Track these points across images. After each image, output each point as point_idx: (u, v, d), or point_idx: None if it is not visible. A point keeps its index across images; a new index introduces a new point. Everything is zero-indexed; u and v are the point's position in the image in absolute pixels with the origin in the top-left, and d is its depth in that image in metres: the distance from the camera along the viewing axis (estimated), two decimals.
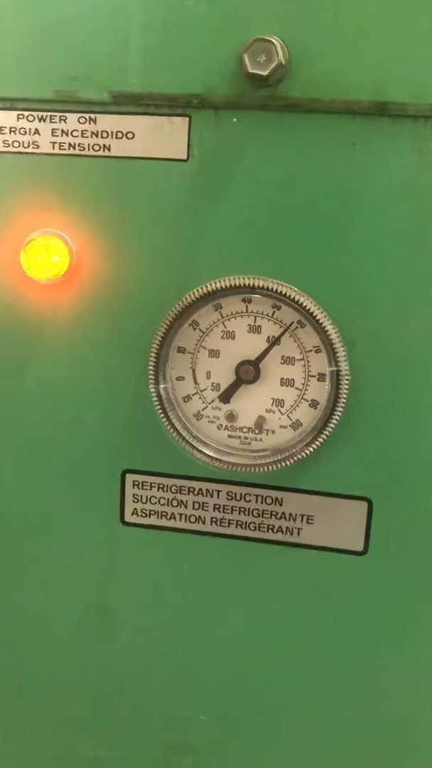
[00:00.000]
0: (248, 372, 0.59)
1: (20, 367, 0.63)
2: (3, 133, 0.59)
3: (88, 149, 0.58)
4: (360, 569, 0.62)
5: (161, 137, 0.56)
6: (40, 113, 0.58)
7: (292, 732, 0.67)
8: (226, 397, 0.60)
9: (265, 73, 0.52)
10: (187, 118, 0.56)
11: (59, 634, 0.69)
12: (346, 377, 0.57)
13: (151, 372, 0.59)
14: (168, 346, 0.60)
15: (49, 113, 0.58)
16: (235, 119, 0.55)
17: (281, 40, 0.52)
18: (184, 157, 0.57)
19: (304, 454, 0.59)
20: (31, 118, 0.58)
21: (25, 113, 0.58)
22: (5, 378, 0.63)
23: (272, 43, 0.52)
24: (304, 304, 0.56)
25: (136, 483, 0.64)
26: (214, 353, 0.60)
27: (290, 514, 0.62)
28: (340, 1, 0.52)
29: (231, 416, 0.61)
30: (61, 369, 0.62)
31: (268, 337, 0.58)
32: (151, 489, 0.64)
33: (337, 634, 0.64)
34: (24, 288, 0.60)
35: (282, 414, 0.60)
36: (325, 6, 0.53)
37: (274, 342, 0.58)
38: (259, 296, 0.58)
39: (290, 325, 0.58)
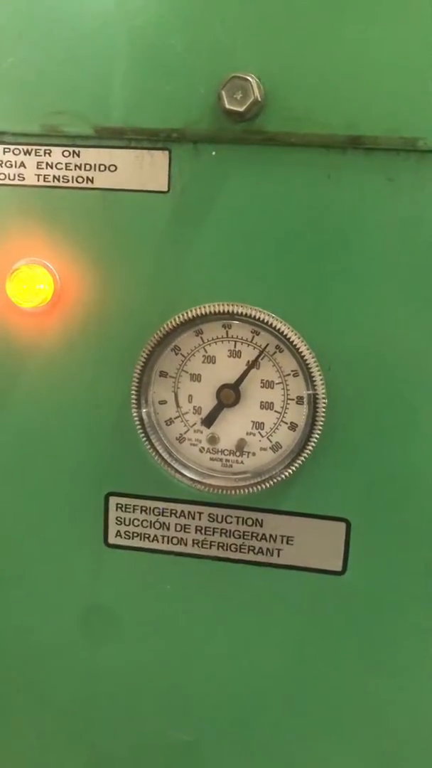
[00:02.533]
0: (228, 396, 0.61)
1: (5, 392, 0.64)
2: None
3: (72, 181, 0.60)
4: (339, 589, 0.63)
5: (143, 170, 0.58)
6: (25, 146, 0.60)
7: (274, 750, 0.67)
8: (208, 421, 0.61)
9: (241, 109, 0.54)
10: (167, 152, 0.58)
11: (44, 656, 0.69)
12: (323, 400, 0.58)
13: (134, 396, 0.61)
14: (150, 371, 0.61)
15: (35, 147, 0.60)
16: (213, 152, 0.57)
17: (257, 77, 0.54)
18: (165, 188, 0.58)
19: (283, 476, 0.60)
20: (17, 152, 0.60)
21: (11, 146, 0.60)
22: None
23: (248, 80, 0.54)
24: (281, 330, 0.58)
25: (119, 505, 0.65)
26: (196, 377, 0.61)
27: (270, 536, 0.63)
28: (313, 40, 0.54)
29: (213, 439, 0.62)
30: (46, 394, 0.63)
31: (248, 362, 0.60)
32: (134, 511, 0.65)
33: (318, 652, 0.64)
34: (9, 315, 0.62)
35: (262, 436, 0.61)
36: (299, 44, 0.55)
37: (251, 365, 0.60)
38: (238, 322, 0.59)
39: (266, 347, 0.59)
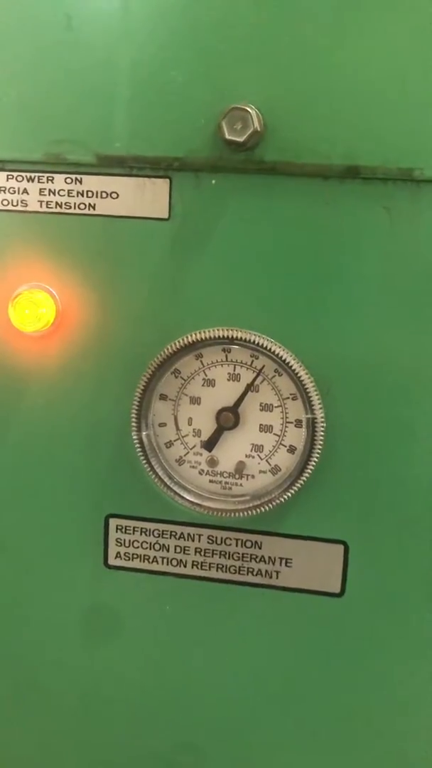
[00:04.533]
0: (228, 419, 0.61)
1: (6, 415, 0.64)
2: None
3: (74, 208, 0.60)
4: (337, 611, 0.63)
5: (144, 197, 0.59)
6: (28, 173, 0.61)
7: None
8: (209, 445, 0.62)
9: (241, 139, 0.55)
10: (168, 180, 0.59)
11: (44, 676, 0.69)
12: (322, 424, 0.59)
13: (134, 419, 0.61)
14: (151, 394, 0.62)
15: (38, 174, 0.61)
16: (213, 181, 0.58)
17: (257, 108, 0.56)
18: (166, 216, 0.59)
19: (282, 499, 0.60)
20: (20, 179, 0.61)
21: (15, 173, 0.61)
22: None
23: (248, 111, 0.55)
24: (280, 354, 0.59)
25: (119, 527, 0.65)
26: (196, 400, 0.62)
27: (269, 558, 0.63)
28: (312, 72, 0.56)
29: (212, 461, 0.63)
30: (47, 417, 0.64)
31: (247, 385, 0.61)
32: (134, 533, 0.65)
33: (316, 674, 0.65)
34: (11, 339, 0.63)
35: (261, 459, 0.62)
36: (298, 76, 0.56)
37: (248, 387, 0.60)
38: (238, 347, 0.60)
39: (261, 368, 0.60)
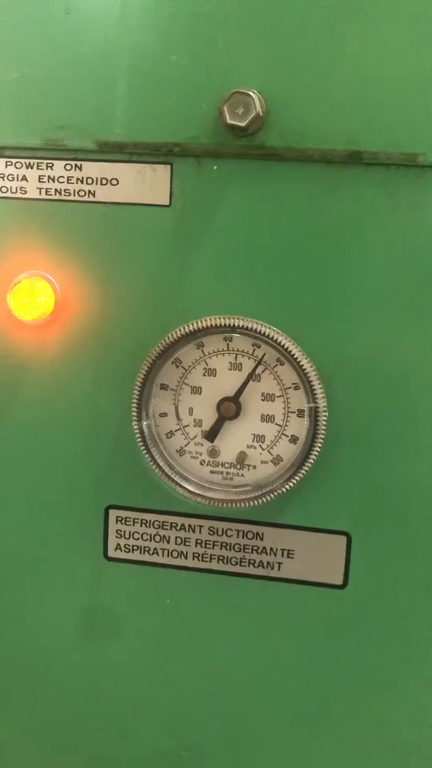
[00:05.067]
0: (229, 409, 0.61)
1: (5, 404, 0.64)
2: None
3: (74, 195, 0.60)
4: (340, 603, 0.62)
5: (145, 184, 0.59)
6: (27, 160, 0.60)
7: (274, 762, 0.67)
8: (211, 435, 0.61)
9: (243, 124, 0.55)
10: (169, 166, 0.58)
11: (43, 667, 0.69)
12: (324, 413, 0.58)
13: (135, 409, 0.61)
14: (151, 384, 0.61)
15: (37, 160, 0.60)
16: (215, 167, 0.58)
17: (259, 92, 0.55)
18: (167, 202, 0.59)
19: (284, 489, 0.60)
20: (18, 165, 0.60)
21: (13, 160, 0.60)
22: None
23: (250, 95, 0.54)
24: (282, 343, 0.58)
25: (119, 518, 0.65)
26: (197, 390, 0.61)
27: (271, 549, 0.63)
28: (314, 56, 0.55)
29: (213, 452, 0.62)
30: (46, 406, 0.63)
31: (248, 374, 0.60)
32: (134, 524, 0.64)
33: (318, 667, 0.64)
34: (10, 328, 0.62)
35: (263, 449, 0.61)
36: (300, 60, 0.55)
37: (250, 376, 0.60)
38: (239, 335, 0.59)
39: (262, 357, 0.59)
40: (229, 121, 0.55)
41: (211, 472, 0.62)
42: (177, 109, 0.57)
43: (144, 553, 0.65)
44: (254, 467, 0.62)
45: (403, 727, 0.64)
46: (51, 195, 0.60)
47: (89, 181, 0.59)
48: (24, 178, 0.60)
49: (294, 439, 0.60)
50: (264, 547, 0.63)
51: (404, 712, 0.64)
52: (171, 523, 0.64)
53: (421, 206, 0.56)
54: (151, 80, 0.57)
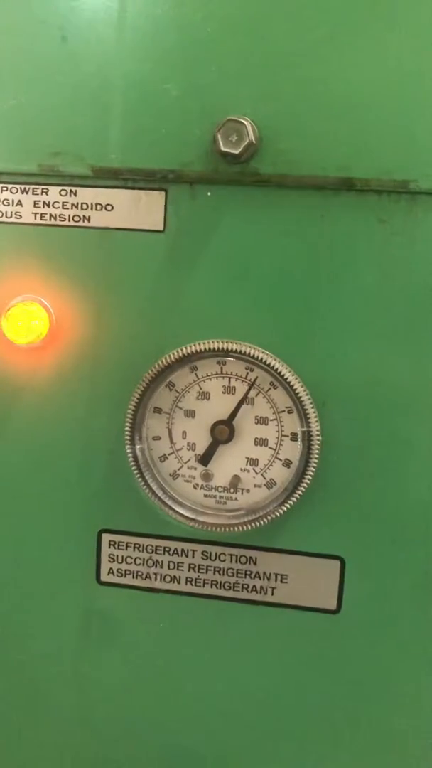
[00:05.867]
0: (223, 432, 0.61)
1: None
2: None
3: (69, 220, 0.60)
4: (334, 628, 0.62)
5: (139, 209, 0.59)
6: (23, 185, 0.61)
7: None
8: (205, 459, 0.61)
9: (236, 151, 0.55)
10: (163, 192, 0.59)
11: (34, 693, 0.68)
12: (318, 437, 0.59)
13: (128, 432, 0.61)
14: (144, 407, 0.61)
15: (32, 185, 0.61)
16: (209, 193, 0.58)
17: (252, 120, 0.56)
18: (161, 228, 0.59)
19: (277, 514, 0.60)
20: (14, 190, 0.61)
21: (9, 185, 0.61)
22: None
23: (243, 123, 0.55)
24: (275, 367, 0.58)
25: (112, 543, 0.64)
26: (190, 413, 0.61)
27: (264, 574, 0.63)
28: (307, 85, 0.56)
29: (207, 476, 0.62)
30: (40, 430, 0.63)
31: (242, 398, 0.60)
32: (127, 549, 0.64)
33: (312, 691, 0.64)
34: (4, 351, 0.62)
35: (256, 473, 0.61)
36: (293, 88, 0.56)
37: (243, 399, 0.60)
38: (233, 359, 0.60)
39: (254, 380, 0.60)
40: (222, 148, 0.55)
41: (205, 495, 0.62)
42: (171, 136, 0.58)
43: (137, 577, 0.64)
44: (248, 491, 0.62)
45: (398, 751, 0.64)
46: (46, 220, 0.61)
47: (84, 206, 0.60)
48: (19, 202, 0.61)
49: (287, 463, 0.60)
50: (257, 572, 0.63)
51: (399, 737, 0.64)
52: (164, 547, 0.64)
53: (413, 232, 0.57)
54: (146, 107, 0.58)
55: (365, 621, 0.62)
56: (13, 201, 0.61)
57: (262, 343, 0.59)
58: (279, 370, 0.58)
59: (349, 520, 0.61)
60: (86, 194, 0.60)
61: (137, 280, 0.60)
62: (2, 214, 0.61)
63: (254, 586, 0.63)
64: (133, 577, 0.64)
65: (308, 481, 0.59)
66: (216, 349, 0.59)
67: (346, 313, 0.58)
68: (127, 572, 0.64)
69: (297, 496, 0.59)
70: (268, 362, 0.58)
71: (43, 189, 0.60)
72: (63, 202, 0.60)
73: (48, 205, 0.60)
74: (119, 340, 0.61)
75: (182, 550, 0.64)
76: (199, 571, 0.63)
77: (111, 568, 0.65)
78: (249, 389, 0.60)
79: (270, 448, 0.61)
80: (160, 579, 0.64)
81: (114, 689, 0.67)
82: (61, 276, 0.61)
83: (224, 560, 0.63)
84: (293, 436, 0.60)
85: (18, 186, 0.61)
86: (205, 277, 0.59)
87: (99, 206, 0.60)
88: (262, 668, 0.64)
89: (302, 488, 0.59)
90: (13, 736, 0.69)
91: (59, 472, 0.64)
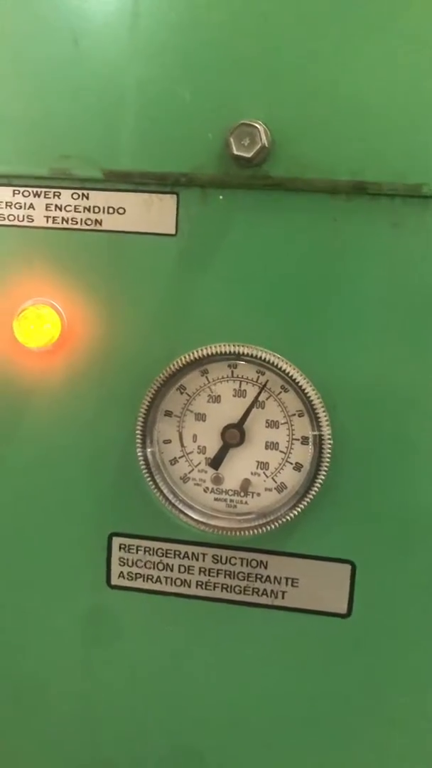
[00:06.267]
0: (233, 436, 0.61)
1: (11, 431, 0.64)
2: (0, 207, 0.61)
3: (81, 224, 0.60)
4: (344, 632, 0.62)
5: (151, 213, 0.59)
6: (35, 189, 0.61)
7: None
8: (216, 463, 0.61)
9: (249, 155, 0.55)
10: (175, 196, 0.59)
11: (42, 697, 0.68)
12: (329, 441, 0.59)
13: (139, 435, 0.61)
14: (156, 410, 0.61)
15: (44, 189, 0.61)
16: (221, 197, 0.58)
17: (265, 123, 0.56)
18: (173, 231, 0.59)
19: (288, 517, 0.60)
20: (26, 194, 0.61)
21: (21, 189, 0.61)
22: None
23: (256, 127, 0.55)
24: (287, 370, 0.58)
25: (122, 546, 0.64)
26: (201, 417, 0.61)
27: (275, 577, 0.63)
28: (319, 89, 0.56)
29: (217, 479, 0.62)
30: (51, 433, 0.63)
31: (253, 401, 0.60)
32: (137, 552, 0.64)
33: (322, 695, 0.64)
34: (16, 355, 0.62)
35: (267, 477, 0.61)
36: (305, 92, 0.56)
37: (253, 403, 0.60)
38: (244, 362, 0.60)
39: (265, 383, 0.60)
40: (235, 152, 0.55)
41: (215, 499, 0.62)
42: (183, 139, 0.58)
43: (147, 580, 0.64)
44: (258, 494, 0.62)
45: (407, 757, 0.64)
46: (58, 223, 0.61)
47: (96, 210, 0.60)
48: (31, 206, 0.61)
49: (298, 467, 0.60)
50: (268, 576, 0.63)
51: (409, 742, 0.63)
52: (174, 550, 0.64)
53: (425, 236, 0.56)
54: (158, 111, 0.58)
55: (376, 625, 0.62)
56: (25, 204, 0.61)
57: (273, 346, 0.59)
58: (290, 374, 0.58)
59: (360, 524, 0.60)
60: (98, 198, 0.60)
61: (149, 284, 0.60)
62: (14, 218, 0.61)
63: (264, 589, 0.63)
64: (143, 580, 0.64)
65: (319, 485, 0.59)
66: (227, 352, 0.59)
67: (357, 317, 0.58)
68: (138, 576, 0.64)
69: (308, 500, 0.59)
70: (279, 365, 0.58)
71: (55, 192, 0.60)
72: (75, 206, 0.60)
73: (60, 209, 0.60)
74: (130, 344, 0.61)
75: (192, 553, 0.64)
76: (209, 575, 0.63)
77: (121, 572, 0.65)
78: (260, 392, 0.60)
79: (281, 451, 0.61)
80: (171, 582, 0.64)
81: (123, 693, 0.67)
82: (73, 279, 0.61)
83: (235, 564, 0.63)
84: (304, 440, 0.60)
85: (30, 189, 0.61)
86: (216, 281, 0.59)
87: (111, 210, 0.60)
88: (272, 672, 0.64)
89: (313, 492, 0.59)
90: (20, 738, 0.69)
91: (70, 475, 0.64)
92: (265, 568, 0.63)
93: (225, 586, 0.63)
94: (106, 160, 0.59)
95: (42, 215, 0.61)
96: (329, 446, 0.59)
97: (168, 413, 0.62)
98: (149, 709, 0.67)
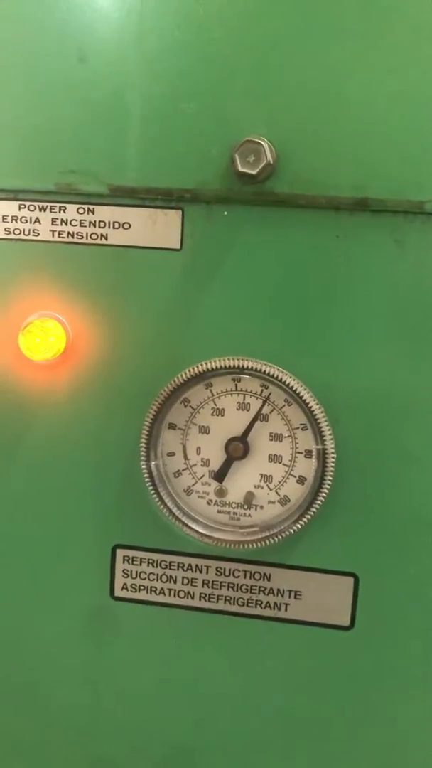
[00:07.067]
0: (237, 449, 0.61)
1: (15, 443, 0.64)
2: (5, 222, 0.61)
3: (86, 238, 0.61)
4: (347, 644, 0.62)
5: (156, 228, 0.60)
6: (41, 203, 0.61)
7: None
8: (220, 476, 0.62)
9: (254, 172, 0.56)
10: (180, 211, 0.59)
11: (47, 708, 0.68)
12: (332, 454, 0.59)
13: (143, 448, 0.61)
14: (160, 423, 0.61)
15: (50, 204, 0.61)
16: (225, 212, 0.59)
17: (269, 140, 0.56)
18: (178, 246, 0.60)
19: (291, 531, 0.60)
20: (32, 208, 0.61)
21: (27, 203, 0.61)
22: (0, 454, 0.65)
23: (261, 144, 0.56)
24: (290, 384, 0.59)
25: (126, 558, 0.65)
26: (205, 429, 0.62)
27: (278, 590, 0.63)
28: (323, 105, 0.56)
29: (221, 492, 0.62)
30: (55, 445, 0.64)
31: (256, 414, 0.61)
32: (141, 564, 0.64)
33: (324, 707, 0.64)
34: (22, 368, 0.62)
35: (270, 490, 0.62)
36: (310, 109, 0.57)
37: (257, 416, 0.60)
38: (248, 376, 0.60)
39: (269, 397, 0.60)
40: (240, 169, 0.56)
41: (219, 512, 0.63)
42: (188, 155, 0.58)
43: (150, 592, 0.65)
44: (261, 507, 0.62)
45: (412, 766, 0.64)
46: (63, 238, 0.61)
47: (101, 224, 0.61)
48: (37, 220, 0.61)
49: (302, 480, 0.61)
50: (271, 588, 0.63)
51: (411, 754, 0.64)
52: (178, 563, 0.64)
53: (428, 252, 0.57)
54: (163, 127, 0.58)
55: (378, 638, 0.62)
56: (30, 218, 0.61)
57: (277, 360, 0.59)
58: (293, 387, 0.59)
59: (363, 537, 0.61)
60: (104, 212, 0.60)
61: (154, 298, 0.60)
62: (20, 232, 0.61)
63: (268, 602, 0.63)
64: (147, 592, 0.65)
65: (322, 498, 0.59)
66: (231, 366, 0.59)
67: (360, 332, 0.58)
68: (141, 587, 0.65)
69: (311, 513, 0.60)
70: (282, 379, 0.59)
71: (60, 207, 0.61)
72: (80, 220, 0.61)
73: (66, 223, 0.61)
74: (135, 358, 0.61)
75: (196, 566, 0.64)
76: (212, 587, 0.64)
77: (125, 583, 0.65)
78: (263, 406, 0.60)
79: (284, 464, 0.61)
80: (174, 594, 0.64)
81: (126, 705, 0.67)
82: (79, 293, 0.61)
83: (238, 576, 0.63)
84: (307, 453, 0.60)
85: (36, 204, 0.61)
86: (221, 296, 0.60)
87: (116, 224, 0.60)
88: (275, 684, 0.64)
89: (317, 505, 0.59)
90: (25, 747, 0.69)
91: (74, 488, 0.64)
92: (269, 580, 0.63)
93: (228, 598, 0.64)
94: (112, 175, 0.60)
95: (48, 229, 0.61)
96: (332, 460, 0.59)
97: (172, 426, 0.62)
98: (152, 720, 0.67)
